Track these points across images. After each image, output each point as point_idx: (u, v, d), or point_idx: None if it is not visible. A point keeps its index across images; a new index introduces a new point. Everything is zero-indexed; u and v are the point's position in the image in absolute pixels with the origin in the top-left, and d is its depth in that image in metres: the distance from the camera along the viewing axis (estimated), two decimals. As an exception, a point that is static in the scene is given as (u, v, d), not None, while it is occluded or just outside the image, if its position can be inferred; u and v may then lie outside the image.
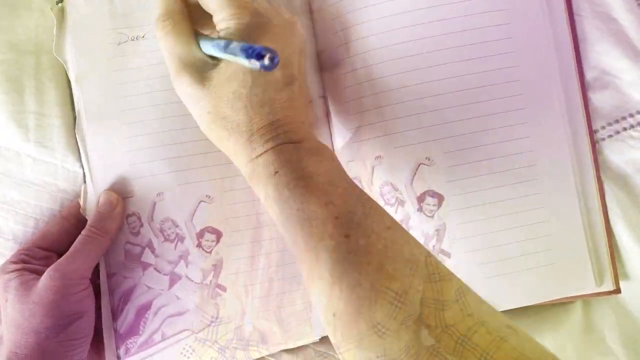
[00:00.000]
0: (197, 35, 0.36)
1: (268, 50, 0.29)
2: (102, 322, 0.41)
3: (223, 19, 0.34)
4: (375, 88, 0.40)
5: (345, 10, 0.41)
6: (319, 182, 0.32)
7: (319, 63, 0.43)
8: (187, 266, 0.41)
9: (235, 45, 0.31)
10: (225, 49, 0.32)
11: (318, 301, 0.31)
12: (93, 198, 0.41)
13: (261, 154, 0.33)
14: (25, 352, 0.36)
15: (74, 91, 0.42)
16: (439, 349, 0.27)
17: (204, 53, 0.35)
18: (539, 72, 0.40)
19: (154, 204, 0.41)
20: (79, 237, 0.39)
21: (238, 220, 0.42)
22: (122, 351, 0.41)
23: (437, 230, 0.40)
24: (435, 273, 0.29)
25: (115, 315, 0.41)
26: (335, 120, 0.42)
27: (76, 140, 0.42)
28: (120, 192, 0.41)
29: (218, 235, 0.42)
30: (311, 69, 0.43)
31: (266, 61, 0.28)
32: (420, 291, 0.28)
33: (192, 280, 0.41)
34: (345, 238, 0.30)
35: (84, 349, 0.38)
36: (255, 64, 0.29)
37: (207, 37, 0.35)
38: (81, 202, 0.42)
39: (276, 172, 0.33)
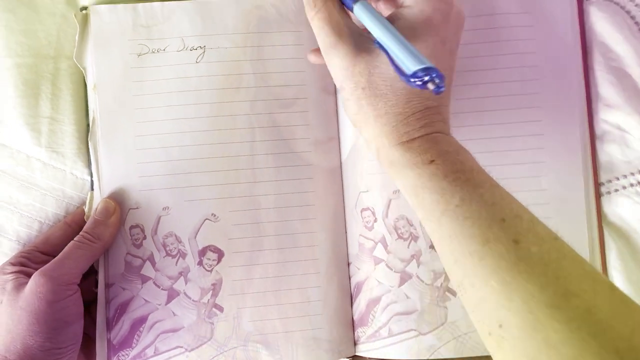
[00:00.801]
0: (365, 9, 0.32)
1: (436, 74, 0.26)
2: (97, 331, 0.41)
3: None
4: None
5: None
6: (479, 179, 0.30)
7: None
8: (186, 283, 0.41)
9: (398, 38, 0.29)
10: (395, 44, 0.29)
11: (478, 308, 0.28)
12: (99, 207, 0.41)
13: (415, 139, 0.31)
14: (14, 357, 0.35)
15: (90, 99, 0.42)
16: None
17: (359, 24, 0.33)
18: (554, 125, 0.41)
19: (159, 217, 0.42)
20: (70, 244, 0.39)
21: (241, 241, 0.42)
22: (113, 362, 0.41)
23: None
24: (618, 293, 0.26)
25: (109, 325, 0.41)
26: (350, 155, 0.43)
27: (87, 148, 0.42)
28: (127, 203, 0.41)
29: (220, 254, 0.42)
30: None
31: (431, 86, 0.26)
32: (604, 311, 0.25)
33: (190, 298, 0.41)
34: (514, 244, 0.27)
35: (71, 356, 0.38)
36: (417, 80, 0.27)
37: (377, 18, 0.31)
38: (86, 210, 0.42)
39: (432, 161, 0.30)
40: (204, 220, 0.42)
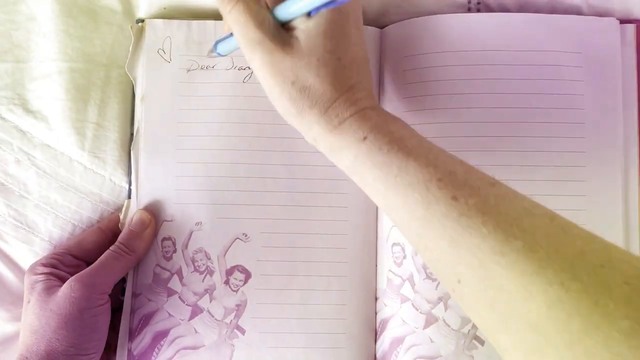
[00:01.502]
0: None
1: None
2: (118, 339, 0.41)
3: None
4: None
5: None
6: (411, 144, 0.31)
7: (380, 102, 0.43)
8: (211, 301, 0.41)
9: None
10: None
11: (436, 269, 0.30)
12: (133, 215, 0.41)
13: (345, 120, 0.32)
14: (36, 359, 0.36)
15: (136, 109, 0.43)
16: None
17: (279, 20, 0.33)
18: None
19: (191, 232, 0.42)
20: (106, 253, 0.39)
21: (270, 264, 0.41)
22: (131, 374, 0.41)
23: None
24: (558, 222, 0.27)
25: (132, 335, 0.41)
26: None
27: (128, 156, 0.43)
28: (161, 215, 0.42)
29: (247, 275, 0.41)
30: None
31: None
32: (544, 246, 0.26)
33: (213, 316, 0.41)
34: (453, 200, 0.28)
35: None
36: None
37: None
38: (121, 217, 0.42)
39: (365, 138, 0.31)
40: (235, 239, 0.42)
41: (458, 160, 0.31)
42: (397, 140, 0.31)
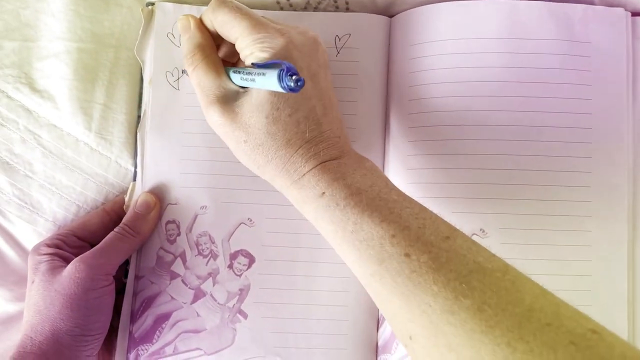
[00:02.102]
0: (225, 67, 0.36)
1: (290, 69, 0.29)
2: (120, 322, 0.41)
3: (246, 45, 0.34)
4: (442, 149, 0.40)
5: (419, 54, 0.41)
6: (368, 198, 0.31)
7: (387, 90, 0.43)
8: (214, 285, 0.41)
9: (258, 70, 0.32)
10: (251, 74, 0.32)
11: (392, 323, 0.30)
12: (138, 198, 0.41)
13: (304, 175, 0.33)
14: (40, 339, 0.36)
15: (144, 92, 0.43)
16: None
17: (235, 84, 0.35)
18: (609, 174, 0.40)
19: (196, 216, 0.41)
20: (110, 234, 0.39)
21: (274, 249, 0.41)
22: (132, 355, 0.40)
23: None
24: (510, 276, 0.27)
25: (134, 317, 0.41)
26: (391, 176, 0.42)
27: (135, 139, 0.43)
28: (166, 198, 0.41)
29: (251, 260, 0.41)
30: (378, 95, 0.43)
31: (291, 83, 0.29)
32: (494, 305, 0.26)
33: (216, 300, 0.41)
34: (406, 257, 0.29)
35: (96, 345, 0.38)
36: (281, 85, 0.29)
37: (235, 68, 0.35)
38: (126, 199, 0.42)
39: (323, 194, 0.32)
40: (240, 224, 0.41)
41: (416, 209, 0.31)
42: (354, 195, 0.31)
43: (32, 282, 0.38)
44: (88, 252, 0.38)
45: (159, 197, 0.41)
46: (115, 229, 0.40)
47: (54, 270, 0.37)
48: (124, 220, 0.40)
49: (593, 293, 0.39)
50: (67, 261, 0.38)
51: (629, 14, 0.41)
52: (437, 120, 0.41)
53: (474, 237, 0.39)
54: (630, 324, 0.39)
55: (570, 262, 0.39)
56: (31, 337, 0.36)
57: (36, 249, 0.39)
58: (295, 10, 0.43)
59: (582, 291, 0.39)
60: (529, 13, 0.40)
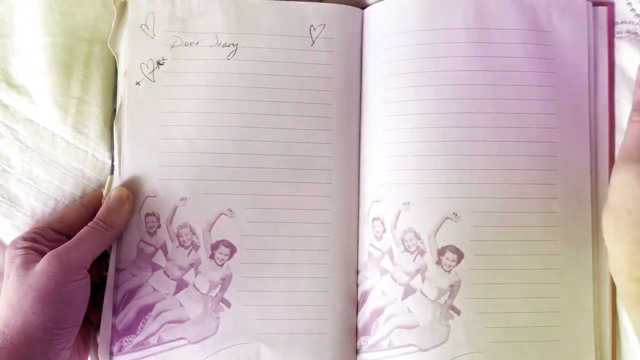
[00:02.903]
0: None
1: None
2: (102, 315, 0.41)
3: None
4: (414, 137, 0.41)
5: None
6: None
7: (362, 80, 0.44)
8: (196, 275, 0.42)
9: None
10: None
11: None
12: (117, 191, 0.41)
13: None
14: (12, 333, 0.35)
15: (119, 84, 0.43)
16: None
17: None
18: (574, 158, 0.42)
19: (176, 207, 0.42)
20: (84, 228, 0.39)
21: (254, 239, 0.42)
22: (115, 348, 0.41)
23: (451, 285, 0.40)
24: None
25: (116, 310, 0.41)
26: (367, 164, 0.43)
27: (111, 132, 0.43)
28: (145, 190, 0.42)
29: (232, 250, 0.42)
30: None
31: None
32: None
33: (199, 290, 0.42)
34: None
35: (69, 338, 0.38)
36: None
37: None
38: (104, 193, 0.42)
39: None
40: (220, 215, 0.42)
41: None
42: None
43: (8, 276, 0.38)
44: (61, 247, 0.38)
45: (137, 190, 0.42)
46: (89, 223, 0.40)
47: (28, 264, 0.37)
48: (97, 214, 0.40)
49: (561, 272, 0.41)
50: (43, 255, 0.38)
51: (590, 3, 0.43)
52: (410, 109, 0.42)
53: (448, 221, 0.41)
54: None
55: (539, 242, 0.41)
56: (3, 332, 0.36)
57: (13, 243, 0.39)
58: (271, 0, 0.44)
59: (552, 270, 0.41)
60: (496, 3, 0.42)
